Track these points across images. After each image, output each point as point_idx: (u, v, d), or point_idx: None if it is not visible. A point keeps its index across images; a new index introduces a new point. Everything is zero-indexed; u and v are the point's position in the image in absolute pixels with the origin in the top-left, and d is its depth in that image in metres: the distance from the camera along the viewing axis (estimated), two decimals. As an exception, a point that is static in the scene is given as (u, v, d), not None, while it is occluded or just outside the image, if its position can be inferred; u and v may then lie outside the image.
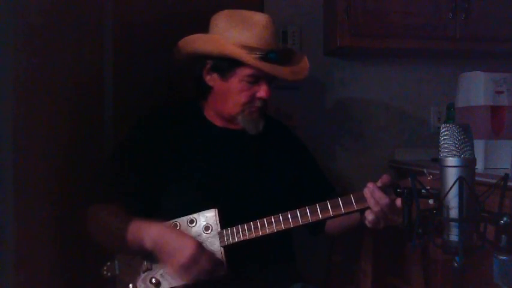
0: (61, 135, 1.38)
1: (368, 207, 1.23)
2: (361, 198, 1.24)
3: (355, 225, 1.38)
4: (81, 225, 1.33)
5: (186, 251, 1.18)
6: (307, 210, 1.25)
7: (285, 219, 1.25)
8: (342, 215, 1.26)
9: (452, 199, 0.88)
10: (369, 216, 1.24)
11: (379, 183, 1.24)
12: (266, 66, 1.34)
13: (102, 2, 1.72)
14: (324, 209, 1.24)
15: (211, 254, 1.22)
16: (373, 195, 1.21)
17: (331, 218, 1.26)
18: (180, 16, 1.82)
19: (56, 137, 1.35)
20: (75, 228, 1.35)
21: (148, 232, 1.22)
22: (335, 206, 1.25)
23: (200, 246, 1.20)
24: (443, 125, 0.91)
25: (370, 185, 1.23)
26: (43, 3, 1.25)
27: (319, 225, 1.42)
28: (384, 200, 1.21)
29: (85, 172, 1.47)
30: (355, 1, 1.96)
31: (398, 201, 1.21)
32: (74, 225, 1.35)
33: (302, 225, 1.25)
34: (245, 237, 1.25)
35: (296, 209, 1.26)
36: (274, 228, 1.24)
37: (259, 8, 2.09)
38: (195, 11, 1.81)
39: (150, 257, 1.26)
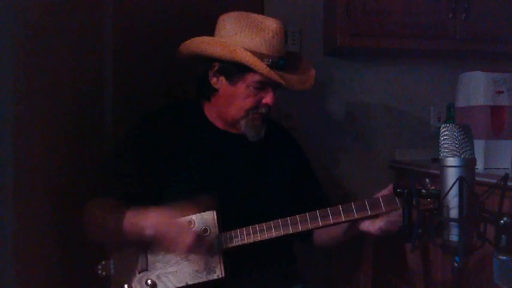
0: (61, 135, 1.38)
1: (369, 216, 1.23)
2: (362, 207, 1.23)
3: (350, 237, 1.35)
4: (80, 223, 1.33)
5: (184, 242, 1.18)
6: (307, 217, 1.24)
7: (284, 225, 1.24)
8: (341, 223, 1.25)
9: (452, 199, 0.88)
10: (378, 224, 1.23)
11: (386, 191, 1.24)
12: (276, 75, 1.32)
13: (102, 2, 1.72)
14: (325, 217, 1.24)
15: (208, 250, 1.22)
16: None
17: (330, 225, 1.25)
18: (180, 17, 1.82)
19: (56, 136, 1.35)
20: (75, 228, 1.35)
21: (148, 219, 1.22)
22: (335, 214, 1.24)
23: (198, 241, 1.19)
24: (443, 125, 0.91)
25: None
26: (43, 3, 1.25)
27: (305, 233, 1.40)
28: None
29: (85, 172, 1.47)
30: (355, 1, 1.96)
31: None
32: (73, 224, 1.35)
33: (301, 231, 1.24)
34: (243, 242, 1.24)
35: (292, 213, 1.25)
36: (274, 234, 1.24)
37: (260, 8, 2.09)
38: (195, 12, 1.81)
39: (146, 257, 1.26)
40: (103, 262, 1.30)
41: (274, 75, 1.31)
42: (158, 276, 1.25)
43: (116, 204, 1.29)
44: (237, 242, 1.24)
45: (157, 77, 1.84)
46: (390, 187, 1.24)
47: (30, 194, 1.19)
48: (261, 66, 1.31)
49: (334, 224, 1.25)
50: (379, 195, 1.24)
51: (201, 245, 1.20)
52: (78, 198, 1.35)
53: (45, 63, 1.27)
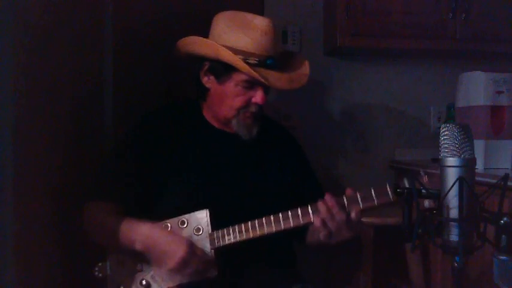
0: (61, 135, 1.38)
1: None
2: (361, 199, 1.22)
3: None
4: (79, 224, 1.33)
5: (177, 253, 1.17)
6: (299, 212, 1.23)
7: (276, 221, 1.23)
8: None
9: (452, 199, 0.88)
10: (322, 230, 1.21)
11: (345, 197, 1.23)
12: (262, 74, 1.32)
13: (102, 2, 1.72)
14: (315, 211, 1.23)
15: (202, 255, 1.21)
16: (330, 209, 1.19)
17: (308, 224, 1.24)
18: (180, 16, 1.82)
19: (56, 136, 1.35)
20: (74, 228, 1.35)
21: (139, 233, 1.22)
22: (315, 211, 1.23)
23: (191, 249, 1.19)
24: (443, 125, 0.92)
25: (328, 197, 1.21)
26: (43, 3, 1.25)
27: (301, 232, 1.39)
28: (340, 215, 1.19)
29: (85, 172, 1.47)
30: (355, 1, 1.96)
31: (353, 215, 1.20)
32: (73, 225, 1.35)
33: (293, 227, 1.23)
34: (235, 240, 1.23)
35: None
36: (265, 230, 1.23)
37: (260, 8, 2.09)
38: (195, 11, 1.81)
39: (141, 258, 1.26)
40: (100, 264, 1.30)
41: (255, 74, 1.31)
42: (152, 277, 1.25)
43: (114, 210, 1.29)
44: (229, 240, 1.24)
45: (157, 77, 1.84)
46: (348, 192, 1.23)
47: (30, 194, 1.19)
48: (242, 65, 1.31)
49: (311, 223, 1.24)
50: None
51: (192, 259, 1.18)
52: (78, 198, 1.35)
53: (45, 63, 1.27)
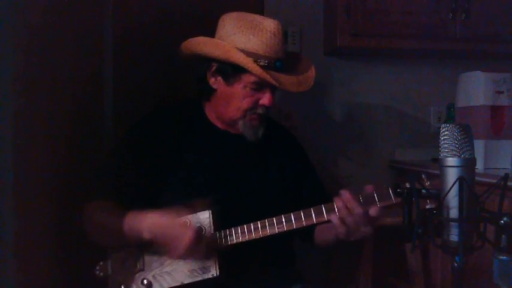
0: (61, 135, 1.38)
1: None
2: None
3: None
4: (80, 224, 1.33)
5: (185, 236, 1.17)
6: (302, 214, 1.23)
7: (279, 222, 1.23)
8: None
9: (452, 199, 0.88)
10: (340, 227, 1.19)
11: (361, 193, 1.21)
12: (272, 76, 1.32)
13: (102, 2, 1.72)
14: (319, 214, 1.22)
15: (209, 240, 1.21)
16: (347, 205, 1.18)
17: (324, 222, 1.24)
18: (180, 16, 1.82)
19: (56, 136, 1.35)
20: (74, 228, 1.35)
21: (145, 222, 1.21)
22: (330, 211, 1.22)
23: (199, 231, 1.19)
24: (443, 125, 0.91)
25: (344, 192, 1.19)
26: (43, 3, 1.25)
27: (307, 231, 1.39)
28: (358, 210, 1.17)
29: (85, 172, 1.47)
30: (355, 1, 1.96)
31: (372, 211, 1.17)
32: (73, 225, 1.35)
33: (295, 229, 1.23)
34: (238, 240, 1.24)
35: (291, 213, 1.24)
36: (268, 231, 1.23)
37: (260, 8, 2.09)
38: (194, 12, 1.81)
39: (143, 257, 1.27)
40: (101, 263, 1.30)
41: (267, 76, 1.31)
42: (154, 276, 1.25)
43: (115, 208, 1.29)
44: (231, 240, 1.24)
45: (157, 77, 1.84)
46: (368, 188, 1.22)
47: (30, 194, 1.19)
48: (253, 67, 1.31)
49: (328, 222, 1.24)
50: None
51: (201, 242, 1.19)
52: (78, 198, 1.35)
53: (46, 63, 1.27)
